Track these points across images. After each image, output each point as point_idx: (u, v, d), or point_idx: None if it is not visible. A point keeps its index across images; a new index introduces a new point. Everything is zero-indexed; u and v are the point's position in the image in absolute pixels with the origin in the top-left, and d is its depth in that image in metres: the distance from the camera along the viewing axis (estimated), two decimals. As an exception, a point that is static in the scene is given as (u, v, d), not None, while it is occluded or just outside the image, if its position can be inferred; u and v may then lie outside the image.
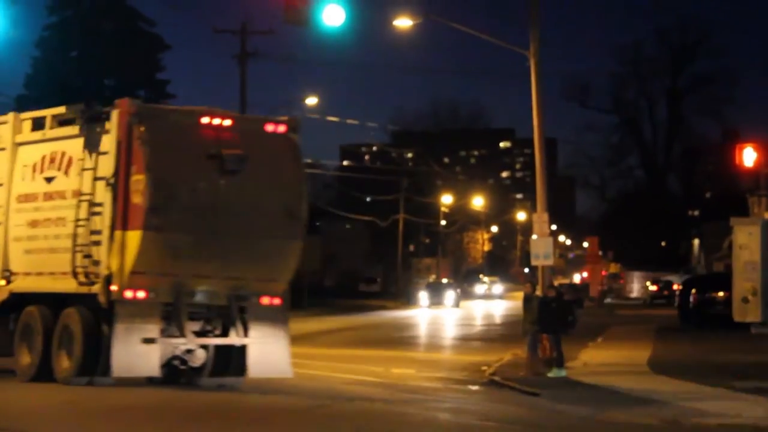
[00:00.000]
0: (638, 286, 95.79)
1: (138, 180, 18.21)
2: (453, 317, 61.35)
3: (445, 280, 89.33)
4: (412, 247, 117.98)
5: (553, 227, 57.39)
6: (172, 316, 18.68)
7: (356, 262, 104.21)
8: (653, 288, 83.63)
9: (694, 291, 46.26)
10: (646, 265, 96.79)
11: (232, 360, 19.38)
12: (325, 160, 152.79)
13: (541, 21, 28.33)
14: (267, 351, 19.03)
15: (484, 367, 27.13)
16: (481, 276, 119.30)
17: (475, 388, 23.25)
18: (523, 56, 28.36)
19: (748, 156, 26.18)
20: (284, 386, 20.22)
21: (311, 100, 61.05)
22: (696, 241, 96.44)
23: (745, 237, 23.40)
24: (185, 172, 18.53)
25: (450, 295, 77.72)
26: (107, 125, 18.91)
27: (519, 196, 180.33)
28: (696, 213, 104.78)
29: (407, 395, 20.55)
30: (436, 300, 76.37)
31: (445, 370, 27.15)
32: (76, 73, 69.61)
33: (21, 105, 73.48)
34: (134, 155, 18.32)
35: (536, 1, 28.47)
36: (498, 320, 59.28)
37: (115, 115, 18.78)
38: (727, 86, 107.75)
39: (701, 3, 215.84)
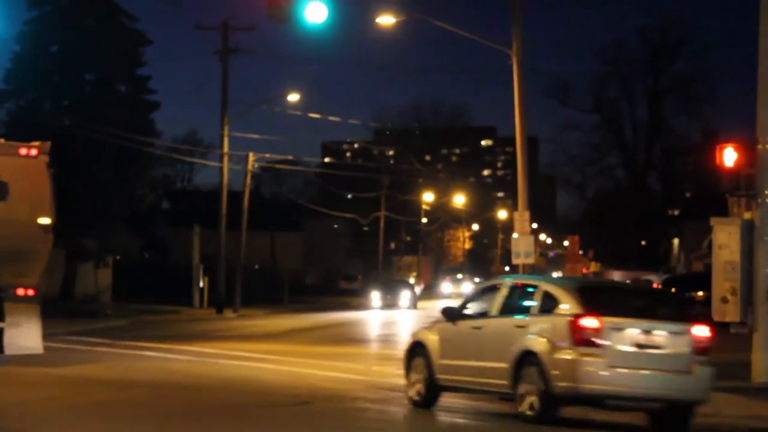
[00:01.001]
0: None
1: None
2: (404, 319, 55.62)
3: (407, 278, 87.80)
4: (393, 245, 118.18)
5: (534, 225, 57.52)
6: None
7: (337, 259, 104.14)
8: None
9: (673, 290, 46.44)
10: (626, 264, 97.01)
11: None
12: (306, 157, 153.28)
13: (523, 20, 28.42)
14: (20, 333, 22.82)
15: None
16: (459, 275, 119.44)
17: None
18: (506, 55, 28.44)
19: (729, 156, 26.21)
20: (271, 384, 20.12)
21: (293, 97, 61.04)
22: (676, 241, 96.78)
23: (724, 237, 23.42)
24: None
25: (405, 296, 71.38)
26: None
27: (500, 194, 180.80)
28: (676, 212, 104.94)
29: (388, 393, 20.59)
30: (389, 301, 69.84)
31: (426, 368, 27.12)
32: (56, 68, 69.25)
33: (0, 99, 73.06)
34: None
35: (518, -1, 28.53)
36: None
37: None
38: (708, 86, 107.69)
39: (683, 3, 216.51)
